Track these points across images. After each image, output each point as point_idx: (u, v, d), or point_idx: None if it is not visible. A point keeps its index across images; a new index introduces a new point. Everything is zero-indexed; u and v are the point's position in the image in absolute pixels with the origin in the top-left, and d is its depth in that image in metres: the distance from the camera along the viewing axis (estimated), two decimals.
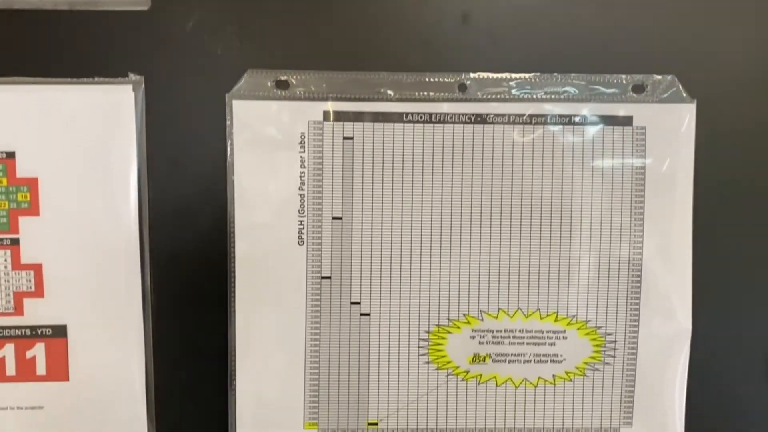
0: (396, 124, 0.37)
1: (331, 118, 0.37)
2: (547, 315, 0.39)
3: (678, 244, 0.39)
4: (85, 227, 0.36)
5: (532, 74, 0.37)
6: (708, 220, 0.39)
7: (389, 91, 0.37)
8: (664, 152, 0.38)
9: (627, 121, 0.38)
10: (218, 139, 0.37)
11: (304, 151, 0.37)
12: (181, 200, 0.37)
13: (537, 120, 0.38)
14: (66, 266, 0.37)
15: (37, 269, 0.37)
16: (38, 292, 0.37)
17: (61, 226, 0.36)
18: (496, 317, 0.39)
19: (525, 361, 0.39)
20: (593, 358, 0.39)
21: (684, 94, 0.38)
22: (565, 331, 0.39)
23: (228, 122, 0.37)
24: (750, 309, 0.40)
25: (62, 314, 0.37)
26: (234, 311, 0.37)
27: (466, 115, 0.37)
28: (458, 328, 0.39)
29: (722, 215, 0.39)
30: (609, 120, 0.38)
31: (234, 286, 0.37)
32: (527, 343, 0.39)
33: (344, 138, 0.37)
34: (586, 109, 0.38)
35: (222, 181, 0.37)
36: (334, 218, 0.38)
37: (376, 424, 0.39)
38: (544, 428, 0.39)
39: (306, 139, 0.37)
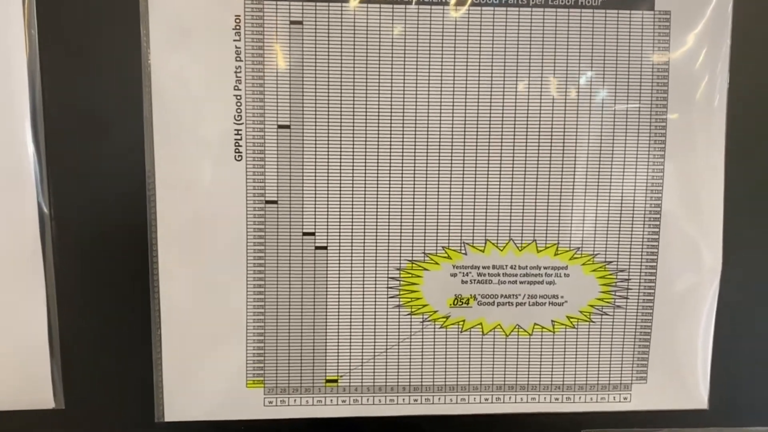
0: (357, 5, 0.31)
1: None
2: (545, 248, 0.33)
3: (708, 165, 0.33)
4: None
5: None
6: (745, 135, 0.33)
7: None
8: (694, 45, 0.32)
9: (648, 4, 0.32)
10: (131, 33, 0.30)
11: (239, 40, 0.31)
12: (87, 111, 0.31)
13: (536, 1, 0.31)
14: None
15: None
16: None
17: None
18: (483, 251, 0.33)
19: (518, 304, 0.34)
20: (601, 300, 0.34)
21: None
22: (566, 267, 0.33)
23: (141, 8, 0.30)
24: None
25: None
26: (156, 245, 0.31)
27: None
28: (436, 264, 0.33)
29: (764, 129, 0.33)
30: (625, 2, 0.31)
31: (155, 219, 0.31)
32: (520, 282, 0.33)
33: (291, 22, 0.31)
34: None
35: (137, 84, 0.30)
36: (279, 127, 0.32)
37: (336, 380, 0.34)
38: (540, 385, 0.34)
39: (242, 24, 0.31)
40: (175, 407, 0.34)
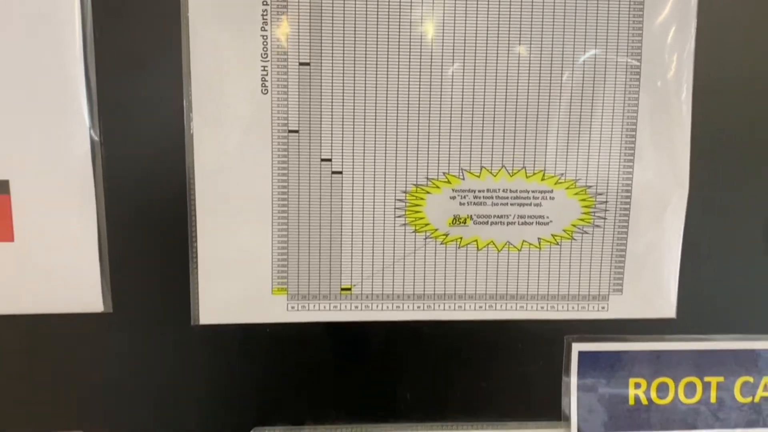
0: None
1: None
2: (534, 173, 0.38)
3: (677, 101, 0.38)
4: (28, 69, 0.35)
5: None
6: (713, 60, 0.38)
7: None
8: None
9: None
10: None
11: None
12: (131, 45, 0.36)
13: None
14: (5, 114, 0.35)
15: None
16: None
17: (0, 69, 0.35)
18: (479, 176, 0.38)
19: (508, 223, 0.39)
20: (582, 220, 0.39)
21: None
22: (552, 191, 0.39)
23: None
24: (752, 170, 0.40)
25: (3, 168, 0.36)
26: (193, 169, 0.37)
27: None
28: (437, 188, 0.38)
29: (730, 53, 0.38)
30: None
31: (192, 141, 0.36)
32: (511, 204, 0.39)
33: None
34: None
35: (176, 25, 0.35)
36: (300, 64, 0.37)
37: (350, 289, 0.39)
38: (527, 295, 0.40)
39: None
40: (208, 312, 0.39)
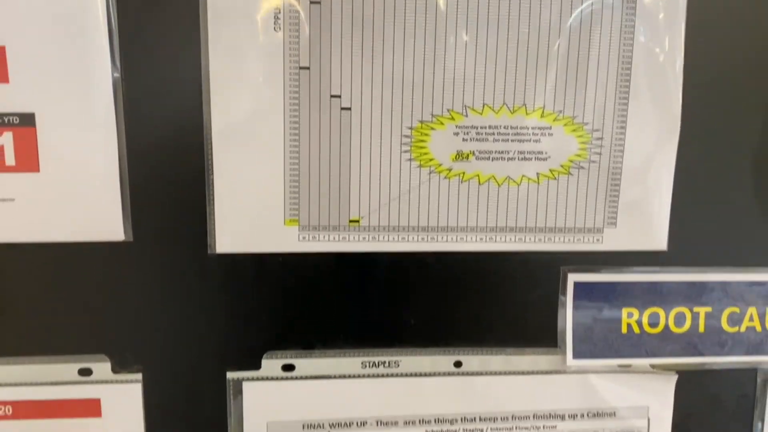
0: None
1: None
2: (533, 110, 0.41)
3: (672, 32, 0.40)
4: (51, 5, 0.37)
5: None
6: (705, 22, 0.40)
7: None
8: None
9: None
10: None
11: None
12: None
13: None
14: (31, 49, 0.37)
15: (0, 52, 0.37)
16: (2, 77, 0.38)
17: (25, 3, 0.37)
18: (481, 113, 0.40)
19: (509, 159, 0.41)
20: (579, 155, 0.41)
21: None
22: (550, 128, 0.41)
23: None
24: (742, 110, 0.42)
25: (29, 101, 0.38)
26: (209, 104, 0.39)
27: None
28: (442, 124, 0.41)
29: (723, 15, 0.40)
30: None
31: (208, 72, 0.38)
32: (512, 140, 0.41)
33: None
34: None
35: None
36: (311, 2, 0.38)
37: (358, 221, 0.41)
38: (526, 228, 0.42)
39: None
40: (224, 241, 0.42)
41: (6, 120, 0.39)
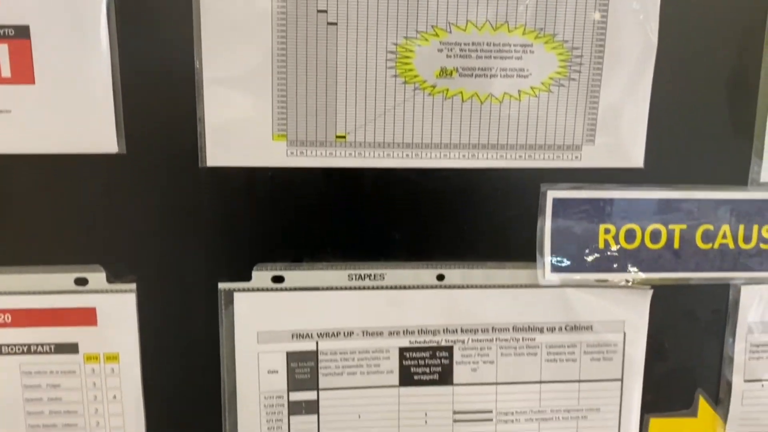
0: None
1: None
2: (515, 28, 0.42)
3: None
4: None
5: None
6: None
7: None
8: None
9: None
10: None
11: None
12: None
13: None
14: None
15: None
16: None
17: None
18: (465, 29, 0.42)
19: (491, 76, 0.43)
20: (559, 73, 0.43)
21: None
22: (532, 45, 0.42)
23: None
24: (718, 31, 0.43)
25: (23, 14, 0.40)
26: (199, 18, 0.40)
27: None
28: (426, 40, 0.42)
29: None
30: None
31: (199, 4, 0.40)
32: (494, 57, 0.42)
33: None
34: None
35: None
36: None
37: (344, 137, 0.43)
38: (507, 145, 0.44)
39: None
40: (214, 155, 0.43)
41: (1, 32, 0.40)
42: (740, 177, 0.46)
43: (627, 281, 0.47)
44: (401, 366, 0.47)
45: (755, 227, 0.47)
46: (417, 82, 0.43)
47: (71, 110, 0.42)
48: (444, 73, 0.43)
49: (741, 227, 0.47)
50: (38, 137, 0.42)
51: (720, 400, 0.49)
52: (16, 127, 0.42)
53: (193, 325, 0.46)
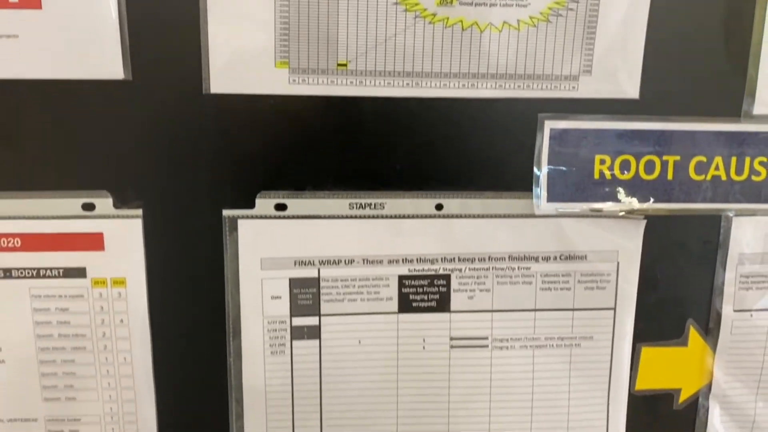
0: None
1: None
2: None
3: None
4: None
5: None
6: None
7: None
8: None
9: None
10: None
11: None
12: None
13: None
14: None
15: None
16: None
17: None
18: None
19: (491, 5, 0.44)
20: (558, 3, 0.44)
21: None
22: None
23: None
24: None
25: None
26: None
27: None
28: None
29: None
30: None
31: None
32: None
33: None
34: None
35: None
36: None
37: (345, 65, 0.44)
38: (506, 74, 0.45)
39: None
40: (218, 81, 0.44)
41: None
42: (733, 109, 0.47)
43: (621, 211, 0.48)
44: (400, 293, 0.49)
45: (747, 159, 0.48)
46: (418, 10, 0.44)
47: (78, 35, 0.42)
48: (444, 1, 0.44)
49: (733, 159, 0.48)
50: (45, 62, 0.43)
51: (710, 330, 0.51)
52: (24, 52, 0.42)
53: (198, 252, 0.47)
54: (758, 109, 0.47)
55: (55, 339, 0.48)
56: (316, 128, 0.46)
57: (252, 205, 0.46)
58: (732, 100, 0.47)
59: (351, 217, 0.47)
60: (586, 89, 0.46)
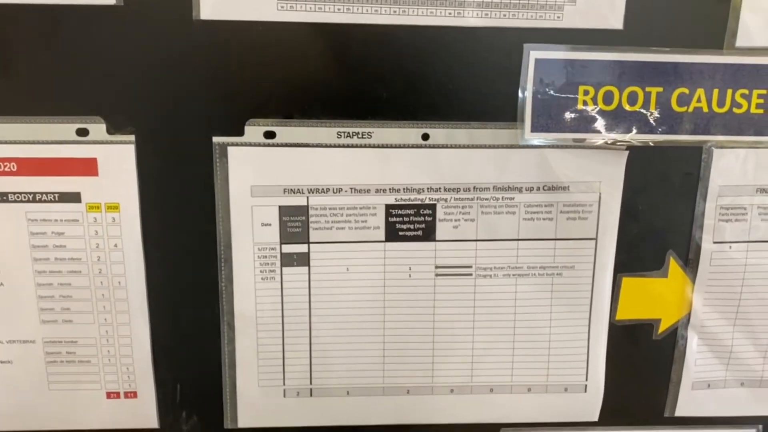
0: None
1: None
2: None
3: None
4: None
5: None
6: None
7: None
8: None
9: None
10: None
11: None
12: None
13: None
14: None
15: None
16: None
17: None
18: None
19: None
20: None
21: None
22: None
23: None
24: None
25: None
26: None
27: None
28: None
29: None
30: None
31: None
32: None
33: None
34: None
35: None
36: None
37: None
38: (492, 3, 0.45)
39: None
40: (207, 7, 0.45)
41: None
42: (717, 41, 0.48)
43: (604, 142, 0.49)
44: (387, 222, 0.50)
45: (729, 91, 0.49)
46: None
47: None
48: None
49: (715, 91, 0.48)
50: None
51: (690, 262, 0.52)
52: None
53: (190, 178, 0.48)
54: (741, 41, 0.48)
55: (51, 263, 0.49)
56: (305, 56, 0.46)
57: (241, 133, 0.47)
58: (715, 31, 0.48)
59: (339, 146, 0.48)
60: (571, 19, 0.46)
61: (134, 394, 0.52)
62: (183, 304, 0.51)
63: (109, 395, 0.52)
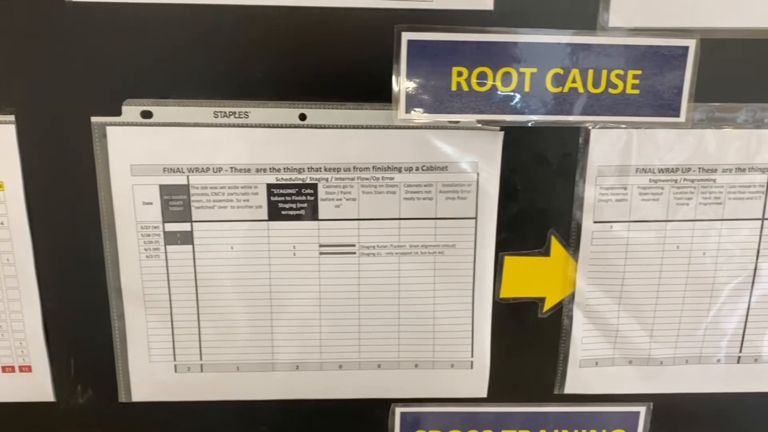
0: None
1: None
2: None
3: None
4: None
5: None
6: None
7: None
8: None
9: None
10: None
11: None
12: None
13: None
14: None
15: None
16: None
17: None
18: None
19: None
20: None
21: None
22: None
23: None
24: None
25: None
26: None
27: None
28: None
29: None
30: None
31: None
32: None
33: None
34: None
35: None
36: None
37: None
38: None
39: None
40: None
41: None
42: (589, 22, 0.48)
43: (478, 123, 0.49)
44: (269, 201, 0.51)
45: (604, 72, 0.49)
46: None
47: None
48: None
49: (590, 72, 0.49)
50: None
51: (571, 241, 0.53)
52: None
53: (72, 158, 0.49)
54: (613, 21, 0.48)
55: None
56: (180, 35, 0.47)
57: (118, 113, 0.48)
58: (588, 12, 0.48)
59: (216, 125, 0.49)
60: (442, 0, 0.47)
61: (29, 368, 0.54)
62: (73, 280, 0.52)
63: (4, 369, 0.54)
